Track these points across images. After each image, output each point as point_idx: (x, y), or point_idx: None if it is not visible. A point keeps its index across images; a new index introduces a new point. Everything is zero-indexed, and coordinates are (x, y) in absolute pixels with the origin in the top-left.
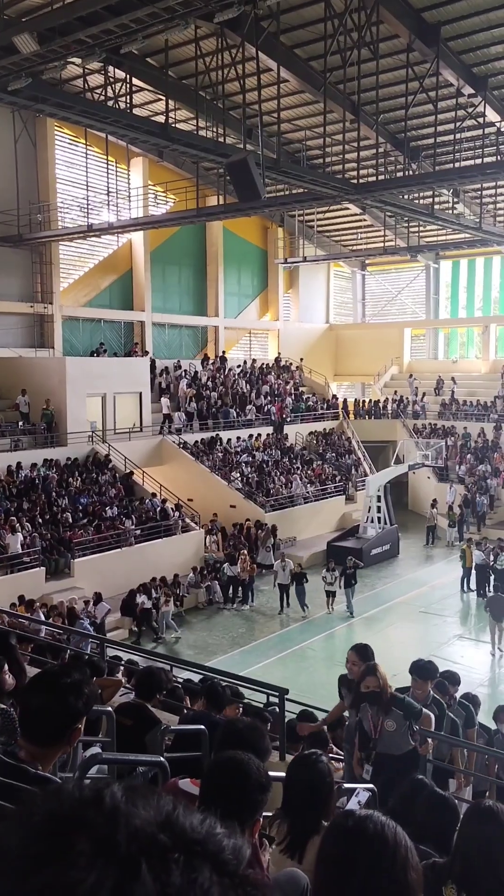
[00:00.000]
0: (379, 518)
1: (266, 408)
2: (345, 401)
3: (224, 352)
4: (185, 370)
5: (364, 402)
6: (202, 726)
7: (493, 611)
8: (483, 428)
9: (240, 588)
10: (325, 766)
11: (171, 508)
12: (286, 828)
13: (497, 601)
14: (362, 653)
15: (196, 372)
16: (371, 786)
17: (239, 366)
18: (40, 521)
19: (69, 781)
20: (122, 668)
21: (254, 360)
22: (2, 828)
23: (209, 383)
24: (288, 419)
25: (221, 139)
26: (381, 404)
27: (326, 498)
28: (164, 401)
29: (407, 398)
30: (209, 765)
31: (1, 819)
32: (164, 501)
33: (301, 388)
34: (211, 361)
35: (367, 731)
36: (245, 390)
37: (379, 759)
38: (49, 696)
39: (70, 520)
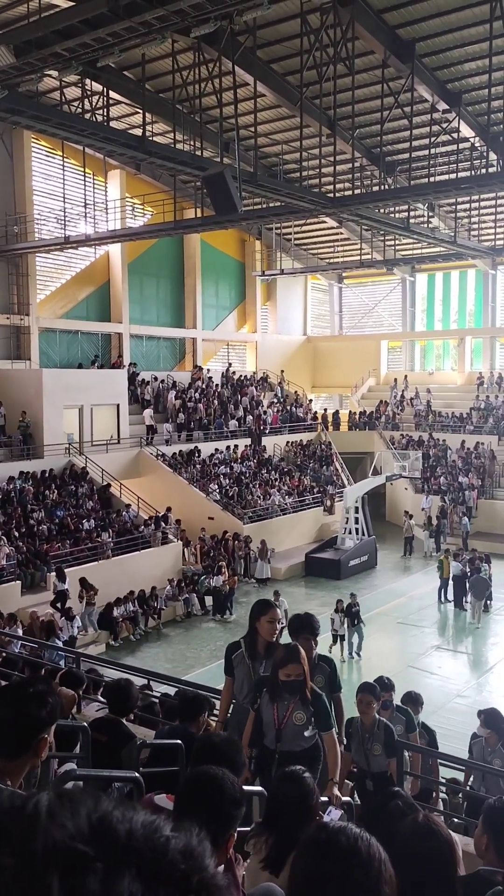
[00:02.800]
0: (357, 529)
1: (252, 418)
2: (325, 411)
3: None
4: (176, 381)
5: (357, 413)
6: (178, 741)
7: (476, 590)
8: (464, 440)
9: (219, 599)
10: (311, 781)
11: (154, 520)
12: (268, 843)
13: (479, 581)
14: (375, 692)
15: (174, 382)
16: (347, 799)
17: (224, 374)
18: (16, 534)
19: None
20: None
21: (232, 369)
22: None
23: (195, 395)
24: (266, 431)
25: (198, 152)
26: (365, 414)
27: (305, 509)
28: (148, 412)
29: (388, 402)
30: (183, 780)
31: None
32: (163, 516)
33: (283, 400)
34: (207, 372)
35: (267, 722)
36: (227, 401)
37: (281, 757)
38: (10, 707)
39: (46, 533)
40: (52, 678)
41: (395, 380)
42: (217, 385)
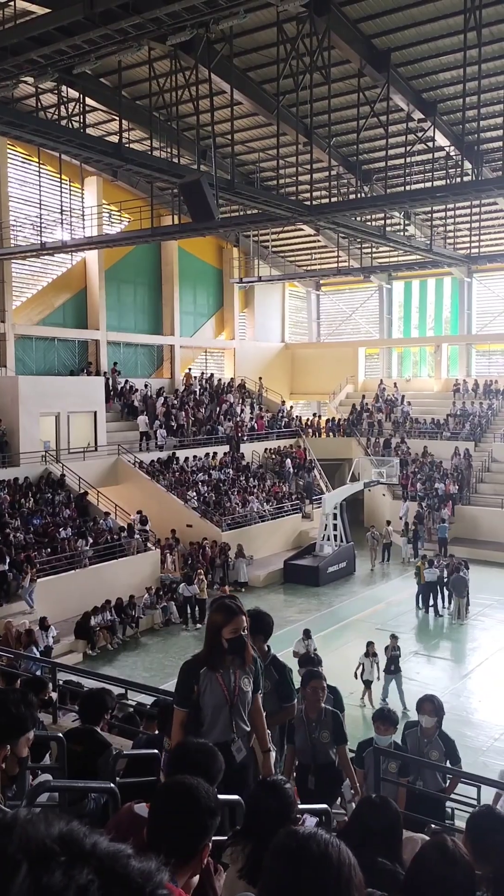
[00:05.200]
0: (335, 536)
1: (231, 425)
2: (319, 417)
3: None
4: (162, 388)
5: (340, 419)
6: (155, 751)
7: (456, 588)
8: (427, 445)
9: (196, 608)
10: (291, 792)
11: (127, 527)
12: (245, 852)
13: (459, 580)
14: (391, 719)
15: (161, 389)
16: (324, 806)
17: (207, 381)
18: None
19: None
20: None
21: (212, 375)
22: None
23: (185, 401)
24: (244, 438)
25: (175, 160)
26: (347, 419)
27: (283, 516)
28: (142, 419)
29: (371, 408)
30: (158, 789)
31: None
32: (140, 519)
33: (261, 406)
34: (198, 379)
35: (218, 702)
36: (205, 407)
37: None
38: None
39: (23, 541)
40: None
41: (387, 385)
42: (196, 392)
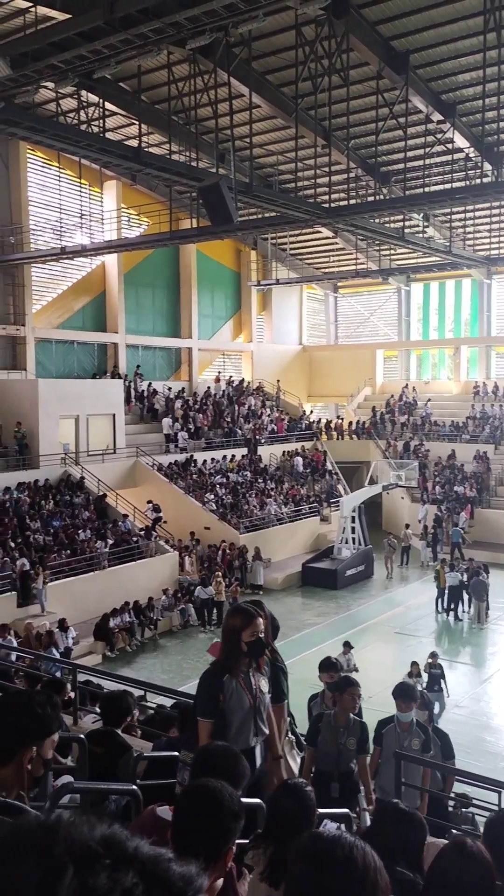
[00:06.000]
0: (353, 539)
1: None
2: (341, 420)
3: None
4: (182, 390)
5: (361, 421)
6: (176, 753)
7: (475, 592)
8: (454, 449)
9: (214, 610)
10: (311, 794)
11: (149, 529)
12: (266, 855)
13: (478, 584)
14: (412, 695)
15: (181, 391)
16: (346, 811)
17: (231, 382)
18: (12, 545)
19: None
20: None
21: (232, 379)
22: None
23: (195, 405)
24: (262, 440)
25: (194, 163)
26: (374, 421)
27: (301, 519)
28: (167, 421)
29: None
30: (182, 793)
31: None
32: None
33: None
34: (226, 382)
35: (246, 709)
36: (224, 410)
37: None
38: None
39: (42, 543)
40: (48, 688)
41: (408, 387)
42: (215, 395)
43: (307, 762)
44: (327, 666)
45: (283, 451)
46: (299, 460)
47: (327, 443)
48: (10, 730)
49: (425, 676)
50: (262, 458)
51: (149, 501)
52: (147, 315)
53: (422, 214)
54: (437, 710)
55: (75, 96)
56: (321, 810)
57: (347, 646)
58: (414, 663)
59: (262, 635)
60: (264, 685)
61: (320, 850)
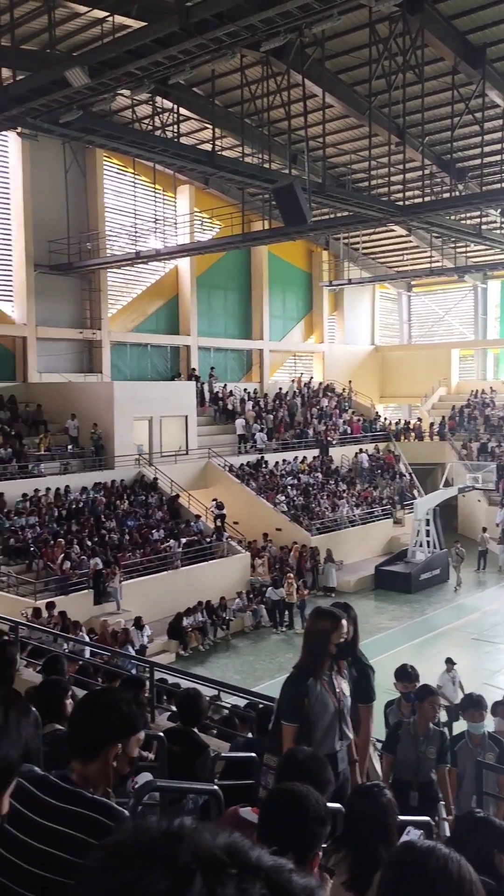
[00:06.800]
0: (428, 542)
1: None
2: (420, 421)
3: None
4: (255, 390)
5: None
6: (253, 754)
7: None
8: None
9: (286, 612)
10: (389, 798)
11: (221, 529)
12: (347, 861)
13: None
14: (483, 704)
15: (253, 392)
16: (426, 819)
17: (307, 383)
18: (89, 543)
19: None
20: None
21: (307, 380)
22: (96, 849)
23: (268, 405)
24: (334, 442)
25: (267, 165)
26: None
27: (373, 521)
28: (240, 422)
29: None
30: (267, 796)
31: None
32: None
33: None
34: (303, 384)
35: (331, 712)
36: (296, 411)
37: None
38: (84, 712)
39: (118, 542)
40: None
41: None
42: (287, 395)
43: (385, 769)
44: (403, 675)
45: (355, 453)
46: (364, 457)
47: (401, 444)
48: (96, 727)
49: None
50: (334, 459)
51: (213, 499)
52: (219, 317)
53: (499, 210)
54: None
55: (150, 102)
56: (402, 818)
57: (450, 662)
58: (448, 659)
59: (348, 638)
60: (346, 688)
61: (414, 862)
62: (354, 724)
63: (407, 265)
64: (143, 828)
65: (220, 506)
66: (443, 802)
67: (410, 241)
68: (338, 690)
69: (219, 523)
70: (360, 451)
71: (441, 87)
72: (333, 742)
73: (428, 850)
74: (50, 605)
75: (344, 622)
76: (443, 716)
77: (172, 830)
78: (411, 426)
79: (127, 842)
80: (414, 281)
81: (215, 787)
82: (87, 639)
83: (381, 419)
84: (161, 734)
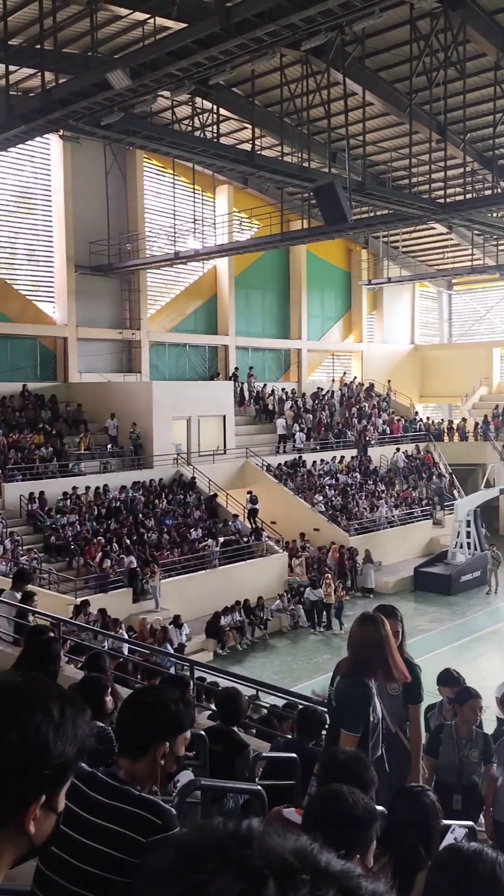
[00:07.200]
0: (468, 543)
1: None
2: (464, 421)
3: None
4: (293, 390)
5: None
6: (294, 755)
7: None
8: None
9: (324, 612)
10: (432, 800)
11: (259, 529)
12: (390, 863)
13: None
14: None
15: (292, 392)
16: (470, 823)
17: (349, 383)
18: (128, 542)
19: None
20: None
21: (353, 379)
22: (159, 851)
23: (306, 405)
24: (372, 442)
25: (306, 164)
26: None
27: (413, 522)
28: (280, 421)
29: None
30: (312, 798)
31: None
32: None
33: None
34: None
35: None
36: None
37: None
38: (134, 711)
39: (156, 541)
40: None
41: None
42: (326, 395)
43: (428, 773)
44: (447, 679)
45: (393, 452)
46: (401, 455)
47: (441, 444)
48: (144, 725)
49: None
50: (372, 459)
51: (248, 492)
52: (257, 317)
53: None
54: None
55: (190, 103)
56: (446, 821)
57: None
58: None
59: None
60: (394, 686)
61: (461, 865)
62: (404, 724)
63: (447, 263)
64: (208, 828)
65: (253, 499)
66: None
67: (451, 239)
68: (387, 694)
69: (254, 521)
70: (397, 449)
71: (483, 84)
72: (379, 747)
73: (474, 855)
74: (84, 604)
75: (396, 622)
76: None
77: (241, 833)
78: (455, 426)
79: (193, 843)
80: (455, 279)
81: (259, 786)
82: (126, 636)
83: (424, 419)
84: (202, 733)
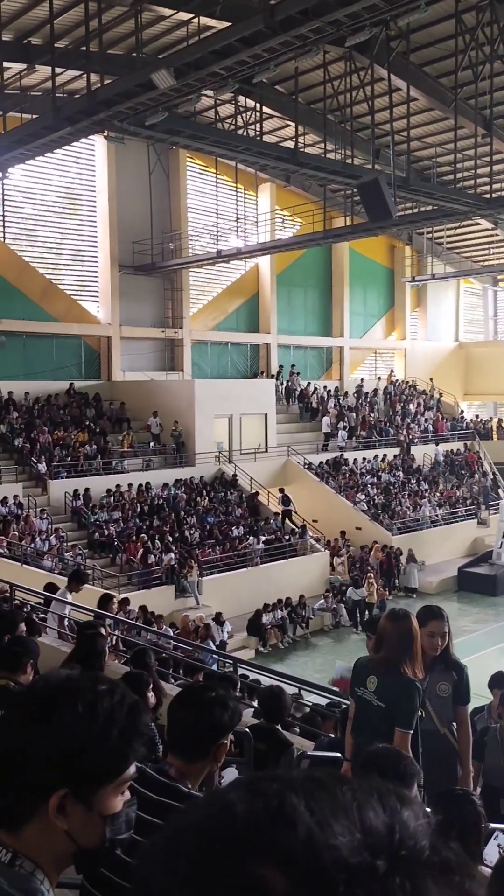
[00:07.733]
0: None
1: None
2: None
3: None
4: (336, 388)
5: None
6: (338, 754)
7: None
8: None
9: (366, 612)
10: (475, 802)
11: (303, 528)
12: None
13: None
14: None
15: (335, 390)
16: None
17: (392, 382)
18: (169, 539)
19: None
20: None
21: (394, 378)
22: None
23: (349, 403)
24: (415, 440)
25: (349, 161)
26: None
27: (457, 521)
28: (326, 420)
29: None
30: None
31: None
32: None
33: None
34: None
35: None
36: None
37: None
38: (192, 710)
39: (198, 539)
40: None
41: None
42: (367, 393)
43: (473, 776)
44: (499, 682)
45: (435, 449)
46: (440, 450)
47: (487, 443)
48: (206, 724)
49: None
50: (416, 457)
51: (280, 489)
52: (299, 315)
53: None
54: None
55: (233, 102)
56: (493, 825)
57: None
58: None
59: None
60: (443, 688)
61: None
62: (452, 726)
63: (493, 259)
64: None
65: (286, 500)
66: None
67: (497, 235)
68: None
69: (286, 522)
70: (436, 444)
71: None
72: (418, 743)
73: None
74: (124, 602)
75: (443, 622)
76: None
77: (292, 823)
78: (501, 424)
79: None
80: (500, 275)
81: None
82: (169, 633)
83: (469, 417)
84: (247, 730)
